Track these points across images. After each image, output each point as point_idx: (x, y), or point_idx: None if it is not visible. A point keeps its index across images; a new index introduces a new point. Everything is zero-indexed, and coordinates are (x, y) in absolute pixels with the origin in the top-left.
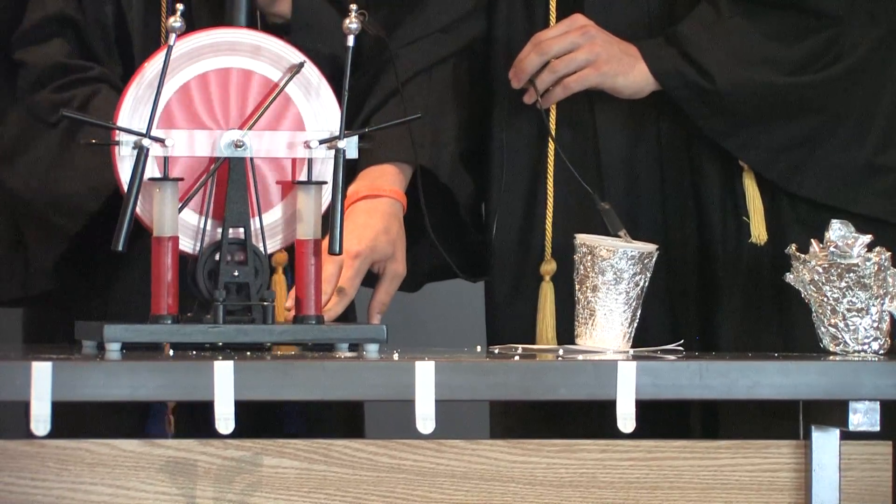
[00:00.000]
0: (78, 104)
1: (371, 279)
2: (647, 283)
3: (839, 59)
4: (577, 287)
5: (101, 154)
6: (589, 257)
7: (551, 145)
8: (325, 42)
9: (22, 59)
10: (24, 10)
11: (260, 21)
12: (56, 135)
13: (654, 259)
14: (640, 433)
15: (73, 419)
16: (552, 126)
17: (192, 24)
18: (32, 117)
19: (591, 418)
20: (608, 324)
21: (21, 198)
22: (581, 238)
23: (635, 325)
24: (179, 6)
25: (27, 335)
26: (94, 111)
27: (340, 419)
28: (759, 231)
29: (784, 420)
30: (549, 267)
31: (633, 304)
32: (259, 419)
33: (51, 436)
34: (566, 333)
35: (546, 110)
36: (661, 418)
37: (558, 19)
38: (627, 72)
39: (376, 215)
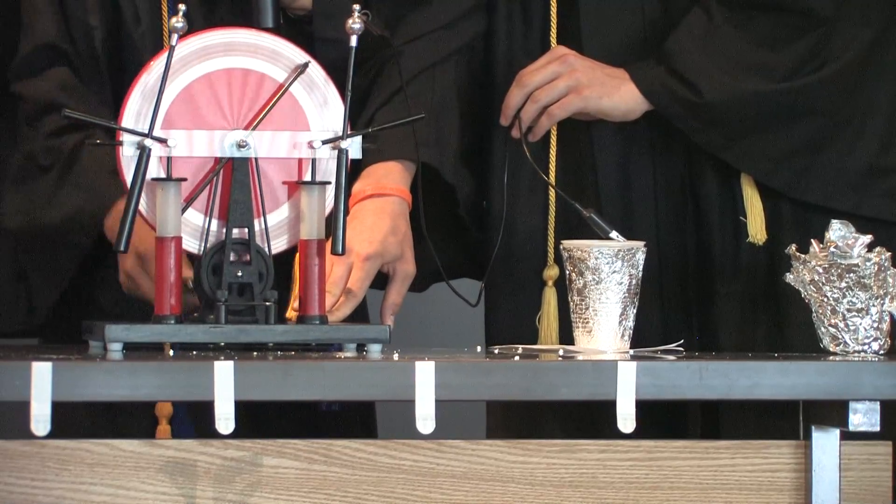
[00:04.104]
0: (69, 149)
1: (379, 280)
2: (635, 281)
3: (829, 61)
4: (567, 292)
5: (89, 191)
6: (570, 261)
7: (553, 150)
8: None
9: (19, 92)
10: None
11: (282, 15)
12: (50, 178)
13: (637, 255)
14: (640, 433)
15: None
16: (552, 165)
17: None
18: (30, 160)
19: (588, 418)
20: (598, 325)
21: (14, 234)
22: (565, 244)
23: (629, 324)
24: (182, 6)
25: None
26: (87, 156)
27: (353, 419)
28: (756, 230)
29: (784, 420)
30: (551, 272)
31: (621, 302)
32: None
33: (51, 436)
34: (567, 336)
35: (531, 145)
36: (661, 418)
37: (558, 16)
38: (612, 94)
39: (384, 215)
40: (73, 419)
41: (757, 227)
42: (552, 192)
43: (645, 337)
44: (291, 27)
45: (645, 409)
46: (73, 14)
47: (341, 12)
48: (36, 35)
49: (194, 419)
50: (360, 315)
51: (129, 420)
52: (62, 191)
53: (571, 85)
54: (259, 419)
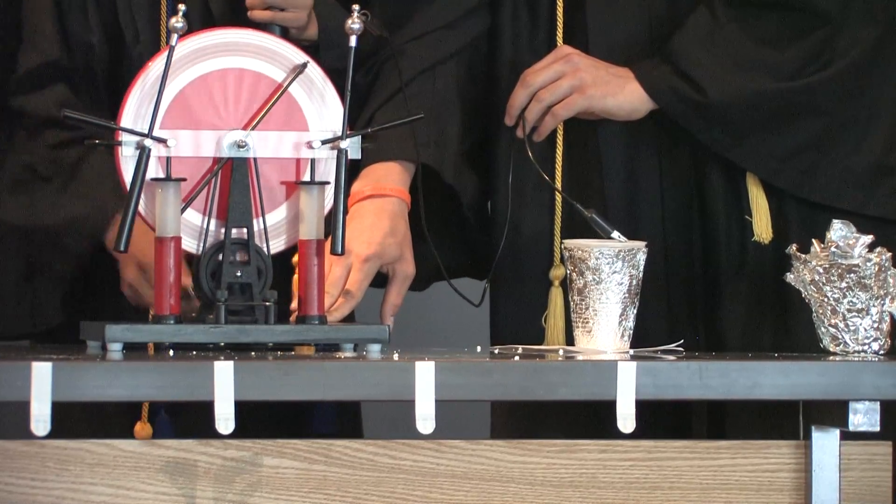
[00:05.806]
0: (72, 162)
1: (377, 279)
2: (636, 282)
3: (834, 60)
4: (568, 292)
5: (91, 202)
6: (571, 261)
7: (559, 149)
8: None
9: (20, 106)
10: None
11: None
12: (52, 188)
13: (638, 256)
14: (640, 433)
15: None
16: (558, 165)
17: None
18: (29, 170)
19: (592, 418)
20: (598, 325)
21: (18, 230)
22: (566, 243)
23: (630, 324)
24: (181, 6)
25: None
26: (89, 169)
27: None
28: (762, 230)
29: (784, 420)
30: (557, 272)
31: (621, 303)
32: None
33: (51, 436)
34: (572, 337)
35: (537, 145)
36: (663, 419)
37: (564, 14)
38: (616, 93)
39: (383, 216)
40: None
41: (762, 227)
42: (559, 200)
43: (651, 336)
44: None
45: (650, 410)
46: (74, 32)
47: (346, 41)
48: (38, 52)
49: (173, 416)
50: (349, 315)
51: (110, 419)
52: (64, 197)
53: (575, 84)
54: (244, 417)
